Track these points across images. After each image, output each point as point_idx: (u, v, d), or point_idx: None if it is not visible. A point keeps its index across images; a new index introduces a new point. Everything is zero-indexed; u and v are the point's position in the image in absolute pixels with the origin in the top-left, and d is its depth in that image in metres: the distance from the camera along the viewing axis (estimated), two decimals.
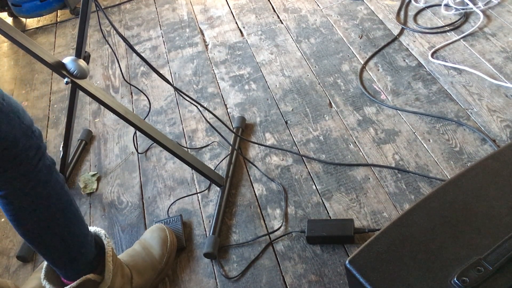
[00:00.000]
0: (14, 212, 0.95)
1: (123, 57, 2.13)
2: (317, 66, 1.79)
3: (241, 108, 1.70)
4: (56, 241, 1.01)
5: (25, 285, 1.24)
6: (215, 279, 1.25)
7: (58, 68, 1.17)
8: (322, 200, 1.35)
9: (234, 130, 1.59)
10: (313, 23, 2.01)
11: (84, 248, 1.07)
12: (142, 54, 1.91)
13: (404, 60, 1.71)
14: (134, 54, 2.08)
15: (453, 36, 1.76)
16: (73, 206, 1.03)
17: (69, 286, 1.05)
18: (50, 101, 2.01)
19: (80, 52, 1.35)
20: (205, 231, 1.36)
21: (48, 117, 1.93)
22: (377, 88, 1.64)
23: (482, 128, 1.42)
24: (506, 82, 1.53)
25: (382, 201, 1.31)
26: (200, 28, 2.18)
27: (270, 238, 1.30)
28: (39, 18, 2.61)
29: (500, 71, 1.57)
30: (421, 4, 1.94)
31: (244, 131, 1.61)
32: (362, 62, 1.75)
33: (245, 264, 1.26)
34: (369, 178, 1.37)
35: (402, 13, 1.93)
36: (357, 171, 1.40)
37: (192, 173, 1.53)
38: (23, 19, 2.65)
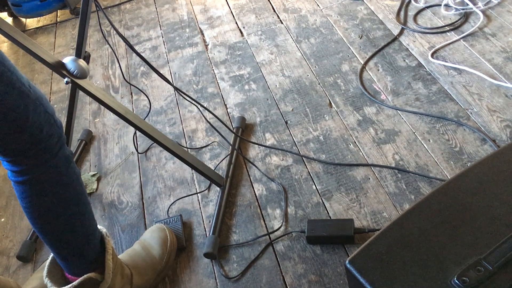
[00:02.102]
0: (30, 199, 0.96)
1: (123, 57, 2.13)
2: (317, 66, 1.79)
3: (241, 108, 1.70)
4: (66, 231, 1.02)
5: (26, 285, 1.24)
6: (215, 279, 1.25)
7: (58, 68, 1.17)
8: (322, 200, 1.35)
9: (234, 130, 1.59)
10: (313, 23, 2.01)
11: (92, 242, 1.08)
12: (142, 54, 1.91)
13: (404, 60, 1.71)
14: (134, 54, 2.08)
15: (453, 36, 1.76)
16: (86, 198, 1.04)
17: (70, 284, 1.05)
18: (50, 101, 2.01)
19: (80, 52, 1.35)
20: (205, 231, 1.36)
21: None
22: (377, 88, 1.64)
23: (482, 128, 1.42)
24: (506, 82, 1.53)
25: (382, 201, 1.31)
26: (200, 28, 2.18)
27: (270, 238, 1.30)
28: (39, 18, 2.61)
29: (500, 71, 1.57)
30: (421, 4, 1.94)
31: (244, 131, 1.61)
32: (362, 62, 1.75)
33: (245, 264, 1.26)
34: (369, 178, 1.37)
35: (402, 13, 1.93)
36: (357, 171, 1.40)
37: (192, 173, 1.53)
38: (23, 19, 2.65)
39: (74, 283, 1.05)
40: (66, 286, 1.05)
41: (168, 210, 1.44)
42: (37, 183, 0.95)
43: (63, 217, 1.00)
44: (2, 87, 0.83)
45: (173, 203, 1.45)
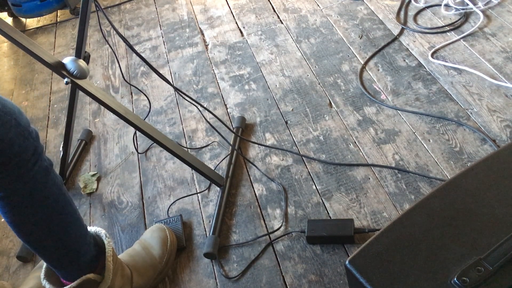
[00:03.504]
0: (12, 214, 0.95)
1: (123, 57, 2.13)
2: (317, 66, 1.79)
3: (241, 108, 1.70)
4: (54, 242, 1.01)
5: (23, 285, 1.24)
6: (215, 279, 1.25)
7: (58, 68, 1.17)
8: (322, 200, 1.35)
9: (234, 130, 1.59)
10: (313, 23, 2.01)
11: (83, 249, 1.07)
12: (142, 54, 1.91)
13: (404, 60, 1.71)
14: (134, 54, 2.08)
15: (453, 36, 1.76)
16: (71, 207, 1.03)
17: (69, 286, 1.05)
18: (50, 101, 2.01)
19: (80, 52, 1.35)
20: (205, 231, 1.36)
21: (48, 117, 1.93)
22: (377, 88, 1.64)
23: (482, 128, 1.42)
24: (506, 82, 1.53)
25: (382, 201, 1.31)
26: (200, 28, 2.18)
27: (270, 238, 1.30)
28: (39, 18, 2.61)
29: (500, 71, 1.57)
30: (421, 4, 1.94)
31: (244, 131, 1.61)
32: (362, 62, 1.75)
33: (245, 264, 1.26)
34: (369, 178, 1.37)
35: (402, 13, 1.93)
36: (357, 171, 1.40)
37: (192, 173, 1.53)
38: (23, 19, 2.65)
39: (73, 284, 1.04)
40: (65, 287, 1.05)
41: (168, 210, 1.44)
42: (15, 198, 0.92)
43: (48, 229, 0.99)
44: None
45: (173, 203, 1.45)
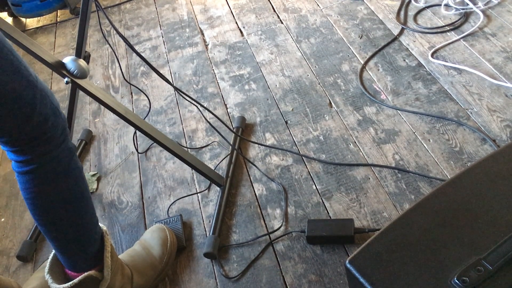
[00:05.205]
0: (33, 190, 0.97)
1: (123, 57, 2.13)
2: (317, 66, 1.79)
3: (241, 108, 1.70)
4: (68, 225, 1.03)
5: (26, 285, 1.24)
6: (215, 279, 1.25)
7: (58, 68, 1.17)
8: (322, 200, 1.35)
9: (234, 130, 1.59)
10: (313, 23, 2.01)
11: (93, 238, 1.08)
12: (142, 54, 1.91)
13: (404, 60, 1.71)
14: (134, 54, 2.08)
15: (453, 36, 1.76)
16: (88, 193, 1.05)
17: (71, 282, 1.05)
18: None
19: (80, 52, 1.35)
20: (205, 231, 1.36)
21: None
22: (377, 88, 1.64)
23: (482, 128, 1.42)
24: (506, 82, 1.53)
25: (382, 201, 1.31)
26: (200, 28, 2.18)
27: (270, 238, 1.30)
28: (39, 18, 2.61)
29: (500, 71, 1.57)
30: (421, 4, 1.94)
31: (244, 131, 1.61)
32: (362, 62, 1.75)
33: (245, 264, 1.26)
34: (369, 178, 1.37)
35: (402, 13, 1.93)
36: (357, 171, 1.40)
37: (192, 173, 1.53)
38: (23, 19, 2.65)
39: (75, 280, 1.05)
40: (67, 284, 1.05)
41: (168, 210, 1.44)
42: (40, 173, 0.96)
43: (64, 209, 1.01)
44: (12, 75, 0.86)
45: (173, 203, 1.45)
